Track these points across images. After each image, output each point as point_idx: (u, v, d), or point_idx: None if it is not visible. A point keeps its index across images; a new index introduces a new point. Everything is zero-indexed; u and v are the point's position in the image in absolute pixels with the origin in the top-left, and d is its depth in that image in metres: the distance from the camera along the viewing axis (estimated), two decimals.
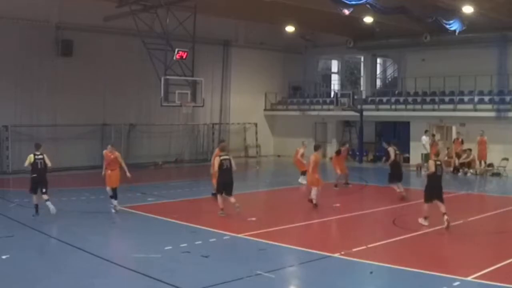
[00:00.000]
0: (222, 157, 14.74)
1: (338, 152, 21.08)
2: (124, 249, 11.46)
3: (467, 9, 22.31)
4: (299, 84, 35.37)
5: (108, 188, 15.26)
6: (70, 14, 25.16)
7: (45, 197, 14.26)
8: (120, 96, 27.18)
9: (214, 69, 31.28)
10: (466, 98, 27.00)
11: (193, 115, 29.09)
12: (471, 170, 24.78)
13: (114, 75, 26.61)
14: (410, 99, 29.19)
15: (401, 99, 29.62)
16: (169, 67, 23.07)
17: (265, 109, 34.69)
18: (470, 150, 25.06)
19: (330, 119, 32.06)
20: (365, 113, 29.78)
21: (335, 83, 38.92)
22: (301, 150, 20.66)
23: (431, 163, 13.67)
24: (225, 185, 14.64)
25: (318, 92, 35.55)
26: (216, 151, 16.28)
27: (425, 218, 13.46)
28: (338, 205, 16.78)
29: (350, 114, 30.19)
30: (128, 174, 15.11)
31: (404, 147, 28.29)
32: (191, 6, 23.10)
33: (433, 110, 27.69)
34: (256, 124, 33.77)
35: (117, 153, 15.40)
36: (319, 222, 14.68)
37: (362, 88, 35.33)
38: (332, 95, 33.56)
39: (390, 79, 37.80)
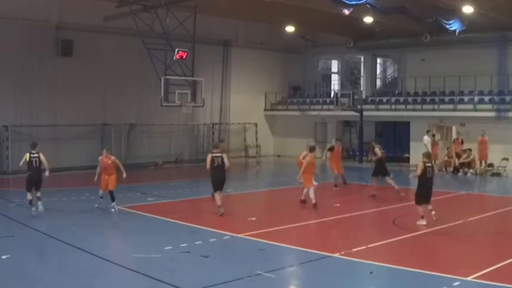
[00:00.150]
0: (213, 155, 14.89)
1: (331, 149, 21.07)
2: (124, 249, 11.46)
3: (467, 9, 22.32)
4: (299, 84, 35.37)
5: (101, 192, 15.51)
6: (70, 14, 25.17)
7: (38, 194, 14.54)
8: (120, 96, 27.18)
9: (214, 69, 31.29)
10: (466, 98, 27.00)
11: (193, 115, 29.09)
12: (471, 170, 24.78)
13: (114, 75, 26.60)
14: (410, 99, 29.19)
15: (401, 99, 29.61)
16: (169, 67, 23.07)
17: (265, 109, 34.70)
18: (470, 150, 25.06)
19: (330, 119, 32.05)
20: (365, 113, 29.78)
21: (335, 83, 38.92)
22: (305, 152, 20.65)
23: (420, 165, 13.70)
24: (218, 182, 14.78)
25: (318, 92, 35.56)
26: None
27: (422, 218, 13.54)
28: (338, 205, 16.79)
29: (350, 114, 30.19)
30: (124, 175, 15.39)
31: (404, 147, 28.36)
32: (191, 6, 23.10)
33: (433, 110, 27.69)
34: (256, 124, 33.77)
35: (112, 157, 15.67)
36: (319, 222, 14.68)
37: (362, 88, 35.33)
38: (332, 95, 33.56)
39: (390, 79, 37.79)
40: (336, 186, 19.74)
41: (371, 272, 9.82)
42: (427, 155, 14.27)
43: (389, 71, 38.46)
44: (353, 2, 21.12)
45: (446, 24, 24.34)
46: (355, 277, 9.90)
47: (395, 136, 30.86)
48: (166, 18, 22.92)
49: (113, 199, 15.45)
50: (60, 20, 25.39)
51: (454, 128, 28.42)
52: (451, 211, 16.21)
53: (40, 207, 14.39)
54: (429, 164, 13.74)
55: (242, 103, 32.66)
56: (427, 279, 9.30)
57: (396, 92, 31.25)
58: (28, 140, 23.93)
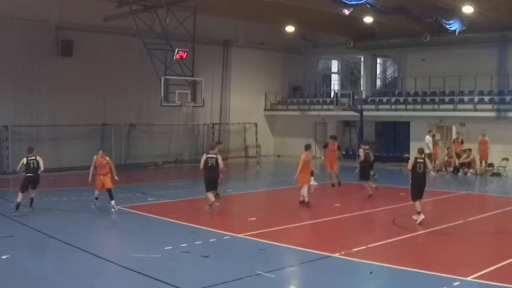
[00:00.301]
0: (208, 155, 15.17)
1: (326, 146, 21.02)
2: (124, 249, 11.46)
3: (467, 9, 22.32)
4: (299, 84, 35.37)
5: (96, 192, 15.71)
6: (70, 14, 25.16)
7: (32, 194, 15.10)
8: (120, 96, 27.18)
9: (214, 69, 31.28)
10: (466, 98, 27.00)
11: (193, 115, 29.09)
12: (471, 170, 24.79)
13: (114, 75, 26.60)
14: (410, 99, 29.19)
15: (401, 99, 29.61)
16: (169, 67, 23.06)
17: (265, 109, 34.70)
18: (470, 150, 25.07)
19: (330, 119, 32.04)
20: (365, 113, 29.74)
21: (335, 83, 38.92)
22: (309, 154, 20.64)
23: (411, 161, 14.06)
24: (210, 182, 15.08)
25: (318, 92, 35.55)
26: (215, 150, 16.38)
27: (418, 213, 13.69)
28: (338, 205, 16.79)
29: (350, 114, 30.15)
30: (116, 177, 15.65)
31: (404, 147, 28.35)
32: (191, 6, 23.09)
33: (433, 110, 27.68)
34: (256, 124, 33.77)
35: (107, 158, 15.94)
36: (319, 222, 14.68)
37: (362, 88, 35.32)
38: (332, 95, 33.54)
39: (390, 79, 37.78)
40: (333, 185, 19.50)
41: (371, 272, 9.82)
42: (420, 151, 14.37)
43: (389, 71, 38.46)
44: (353, 2, 21.11)
45: (446, 24, 24.33)
46: (355, 277, 9.90)
47: (395, 136, 30.87)
48: (166, 18, 22.92)
49: (111, 198, 15.50)
50: (60, 20, 25.39)
51: (454, 128, 28.41)
52: (451, 211, 16.24)
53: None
54: (420, 160, 13.91)
55: (242, 103, 32.66)
56: (427, 279, 9.30)
57: (396, 92, 31.25)
58: (28, 140, 24.11)
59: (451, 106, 27.20)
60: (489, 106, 25.95)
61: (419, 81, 29.30)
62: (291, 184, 17.47)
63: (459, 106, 26.82)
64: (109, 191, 15.51)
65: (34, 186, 15.19)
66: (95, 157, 15.86)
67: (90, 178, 15.70)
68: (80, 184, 16.96)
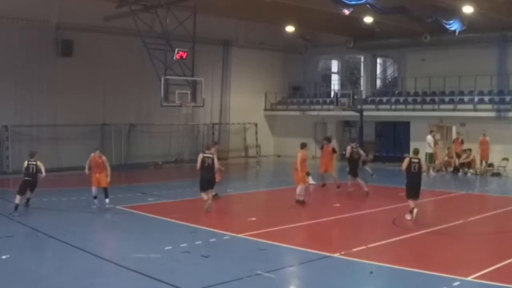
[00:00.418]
0: (205, 155, 15.32)
1: (322, 147, 20.99)
2: (124, 249, 11.46)
3: (467, 9, 22.31)
4: (299, 84, 35.37)
5: (94, 189, 15.93)
6: (70, 14, 25.16)
7: (29, 195, 15.40)
8: (120, 96, 27.18)
9: (214, 69, 31.29)
10: (466, 98, 27.00)
11: (193, 115, 29.09)
12: (471, 170, 24.79)
13: (114, 75, 26.60)
14: (410, 99, 29.19)
15: (401, 99, 29.61)
16: (169, 67, 23.06)
17: (265, 109, 34.70)
18: (470, 150, 25.07)
19: (330, 119, 32.04)
20: (365, 113, 29.76)
21: (335, 83, 38.92)
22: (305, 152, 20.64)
23: (406, 160, 14.26)
24: (206, 182, 15.21)
25: (318, 92, 35.55)
26: (213, 151, 16.45)
27: (411, 211, 13.97)
28: (338, 205, 16.79)
29: (350, 114, 30.16)
30: (108, 178, 15.89)
31: (404, 147, 28.34)
32: (191, 6, 23.09)
33: (433, 110, 27.68)
34: (256, 124, 33.77)
35: (104, 158, 16.16)
36: (319, 222, 14.67)
37: (362, 88, 35.32)
38: (332, 95, 33.54)
39: (390, 79, 37.79)
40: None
41: (371, 272, 9.82)
42: (415, 151, 14.57)
43: (389, 71, 38.46)
44: (353, 2, 21.11)
45: (446, 24, 24.33)
46: (355, 277, 9.90)
47: (395, 136, 30.86)
48: (166, 18, 22.91)
49: (106, 196, 15.86)
50: (60, 20, 25.38)
51: (454, 128, 28.41)
52: (451, 211, 16.25)
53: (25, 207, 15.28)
54: (415, 160, 14.14)
55: (242, 103, 32.66)
56: (427, 279, 9.30)
57: (396, 92, 31.25)
58: (28, 140, 24.16)
59: (451, 106, 27.20)
60: (489, 106, 25.95)
61: (419, 81, 29.30)
62: (291, 184, 17.49)
63: (459, 106, 26.82)
64: (105, 189, 15.85)
65: (31, 189, 15.47)
66: (92, 154, 16.17)
67: (86, 171, 16.08)
68: (80, 184, 16.99)
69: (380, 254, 11.11)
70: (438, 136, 27.07)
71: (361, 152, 19.35)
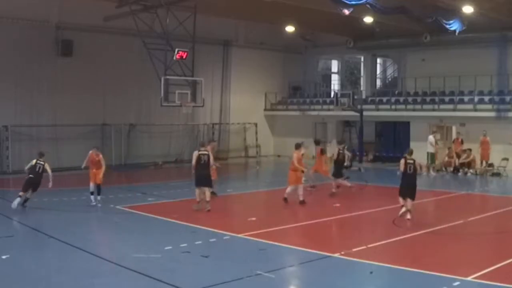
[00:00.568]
0: (200, 152, 15.50)
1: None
2: (124, 249, 11.45)
3: (467, 9, 22.31)
4: (299, 84, 35.37)
5: (91, 185, 16.30)
6: (70, 14, 25.16)
7: (28, 195, 15.62)
8: (120, 96, 27.18)
9: (214, 69, 31.29)
10: (466, 98, 26.99)
11: (193, 115, 29.09)
12: (471, 170, 24.78)
13: (114, 75, 26.60)
14: (410, 99, 29.19)
15: (401, 99, 29.61)
16: (169, 67, 23.05)
17: (265, 109, 34.71)
18: (470, 150, 25.06)
19: (330, 119, 32.05)
20: (365, 113, 29.76)
21: (335, 83, 38.92)
22: (302, 151, 20.62)
23: (402, 161, 14.44)
24: (201, 179, 15.38)
25: (318, 92, 35.55)
26: (209, 148, 16.67)
27: (402, 206, 14.25)
28: (338, 205, 16.79)
29: (350, 114, 30.17)
30: (101, 175, 16.22)
31: (404, 147, 28.29)
32: (191, 6, 23.08)
33: (433, 110, 27.68)
34: (256, 124, 33.77)
35: (101, 156, 16.48)
36: (319, 222, 14.67)
37: (362, 88, 35.32)
38: (332, 95, 33.54)
39: (390, 79, 37.79)
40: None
41: (371, 272, 9.82)
42: (409, 152, 14.72)
43: (389, 71, 38.46)
44: (353, 2, 21.11)
45: (446, 24, 24.32)
46: (355, 277, 9.90)
47: (395, 136, 30.84)
48: (166, 18, 22.90)
49: (99, 193, 16.23)
50: (60, 20, 25.38)
51: (454, 128, 28.41)
52: (451, 211, 16.25)
53: (16, 203, 15.35)
54: (410, 161, 14.36)
55: (242, 103, 32.66)
56: (427, 279, 9.30)
57: (396, 92, 31.24)
58: (28, 140, 24.18)
59: (451, 106, 27.19)
60: (489, 106, 25.94)
61: (419, 81, 29.30)
62: None
63: (459, 106, 26.82)
64: (98, 186, 16.22)
65: (34, 189, 15.65)
66: (90, 152, 16.50)
67: (82, 166, 16.57)
68: (80, 184, 17.01)
69: (380, 254, 11.11)
70: (438, 136, 27.08)
71: (347, 154, 19.66)
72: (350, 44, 31.49)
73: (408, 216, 14.06)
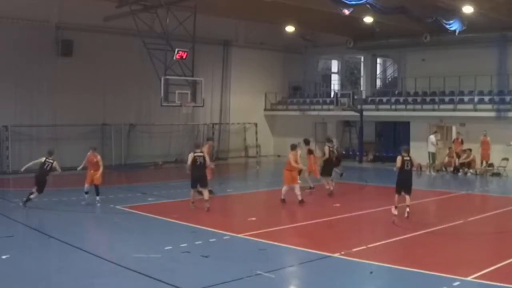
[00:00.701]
0: (196, 154, 15.52)
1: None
2: (124, 249, 11.45)
3: (467, 9, 22.31)
4: (299, 84, 35.37)
5: (86, 186, 16.47)
6: (70, 14, 25.16)
7: (33, 196, 15.76)
8: (120, 96, 27.18)
9: (214, 69, 31.29)
10: (466, 98, 26.99)
11: (193, 115, 29.09)
12: (471, 170, 24.78)
13: (114, 75, 26.60)
14: (410, 99, 29.18)
15: (401, 99, 29.61)
16: (169, 67, 23.06)
17: (265, 109, 34.71)
18: (470, 150, 25.06)
19: (330, 119, 32.05)
20: (365, 113, 29.78)
21: (335, 83, 38.92)
22: (299, 152, 20.59)
23: (398, 158, 14.80)
24: (198, 180, 15.52)
25: (318, 92, 35.56)
26: (205, 149, 16.80)
27: (395, 207, 14.45)
28: (338, 205, 16.79)
29: (350, 114, 30.19)
30: (99, 175, 16.37)
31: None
32: (191, 6, 23.09)
33: (433, 110, 27.68)
34: (256, 124, 33.77)
35: (99, 157, 16.67)
36: (319, 222, 14.67)
37: (362, 88, 35.32)
38: (332, 95, 33.56)
39: (390, 79, 37.79)
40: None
41: (371, 272, 9.82)
42: (405, 150, 15.02)
43: (389, 71, 38.46)
44: (353, 2, 21.11)
45: (446, 24, 24.32)
46: (355, 277, 9.89)
47: (395, 136, 30.84)
48: (166, 18, 22.91)
49: (97, 193, 16.33)
50: (60, 20, 25.38)
51: (454, 128, 28.41)
52: (451, 211, 16.25)
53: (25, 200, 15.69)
54: (407, 158, 14.73)
55: (242, 103, 32.66)
56: (427, 279, 9.30)
57: (396, 92, 31.24)
58: (28, 140, 24.19)
59: (451, 106, 27.19)
60: (489, 106, 25.94)
61: (419, 81, 29.30)
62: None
63: (459, 106, 26.82)
64: (96, 187, 16.32)
65: (41, 189, 15.71)
66: (88, 154, 16.69)
67: (80, 167, 16.78)
68: (80, 184, 16.99)
69: (380, 254, 11.11)
70: (438, 136, 27.07)
71: (336, 152, 19.67)
72: (350, 44, 31.50)
73: (395, 212, 14.37)
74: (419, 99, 28.74)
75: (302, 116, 32.83)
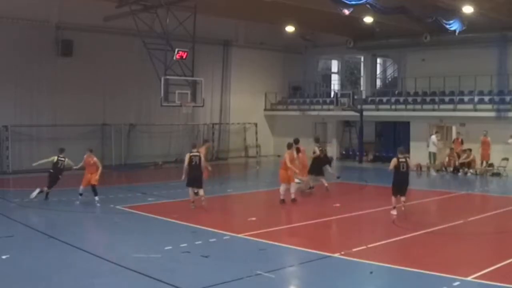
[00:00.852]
0: (192, 154, 15.69)
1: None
2: (124, 249, 11.45)
3: (467, 9, 22.31)
4: (299, 84, 35.37)
5: (81, 187, 16.75)
6: (70, 14, 25.16)
7: (45, 189, 16.57)
8: (120, 96, 27.18)
9: (214, 69, 31.29)
10: (466, 98, 26.98)
11: (193, 115, 29.09)
12: (471, 170, 24.78)
13: (114, 75, 26.60)
14: (410, 99, 29.18)
15: (401, 99, 29.60)
16: (169, 67, 23.06)
17: (265, 109, 34.70)
18: (470, 150, 25.06)
19: (330, 119, 32.05)
20: (365, 113, 29.77)
21: (335, 83, 38.92)
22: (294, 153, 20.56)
23: (394, 160, 14.86)
24: (193, 179, 15.65)
25: (318, 92, 35.55)
26: (201, 150, 17.00)
27: (394, 208, 14.62)
28: (338, 205, 16.79)
29: (350, 114, 30.18)
30: (96, 177, 16.64)
31: (404, 147, 28.28)
32: (191, 6, 23.09)
33: (433, 110, 27.67)
34: (256, 124, 33.77)
35: (95, 159, 16.91)
36: (319, 222, 14.66)
37: (362, 88, 35.32)
38: (332, 95, 33.55)
39: (390, 79, 37.78)
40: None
41: (371, 272, 9.82)
42: (400, 151, 15.10)
43: (389, 71, 38.46)
44: (353, 2, 21.11)
45: (446, 24, 24.32)
46: (355, 277, 9.89)
47: (395, 136, 30.85)
48: (166, 18, 22.91)
49: (95, 194, 16.47)
50: (60, 20, 25.38)
51: (454, 128, 28.41)
52: (451, 211, 16.25)
53: (34, 194, 16.53)
54: (403, 160, 14.81)
55: (242, 103, 32.66)
56: (427, 279, 9.30)
57: (396, 92, 31.24)
58: (28, 140, 24.20)
59: (451, 106, 27.18)
60: (489, 106, 25.93)
61: (419, 81, 29.29)
62: None
63: (459, 106, 26.81)
64: (93, 187, 16.48)
65: (50, 185, 16.67)
66: (85, 156, 16.92)
67: (77, 166, 17.15)
68: (80, 184, 17.00)
69: (380, 254, 11.11)
70: (438, 136, 27.08)
71: (325, 151, 20.01)
72: (350, 44, 31.49)
73: (394, 213, 14.54)
74: (419, 99, 28.74)
75: (302, 116, 32.83)
